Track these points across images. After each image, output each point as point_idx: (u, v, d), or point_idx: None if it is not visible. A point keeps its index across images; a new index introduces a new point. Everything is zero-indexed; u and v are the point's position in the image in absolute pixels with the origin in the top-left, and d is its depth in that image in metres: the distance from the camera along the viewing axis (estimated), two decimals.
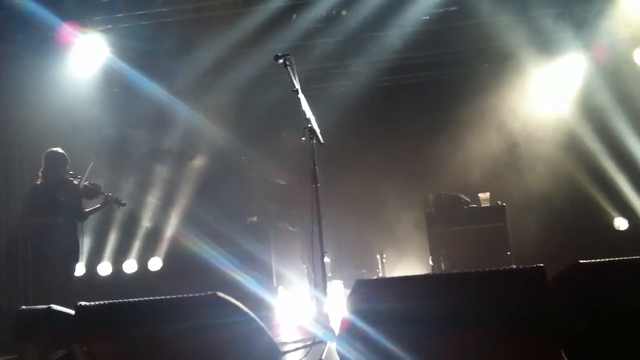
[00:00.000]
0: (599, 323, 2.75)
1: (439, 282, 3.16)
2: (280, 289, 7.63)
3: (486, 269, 3.08)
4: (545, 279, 2.86)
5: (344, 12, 7.84)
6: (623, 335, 2.75)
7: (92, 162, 6.73)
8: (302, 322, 6.11)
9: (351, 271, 7.98)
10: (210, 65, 8.32)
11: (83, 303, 3.39)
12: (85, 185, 6.65)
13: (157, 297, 3.45)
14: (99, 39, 7.92)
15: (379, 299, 3.11)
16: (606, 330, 2.75)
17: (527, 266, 3.02)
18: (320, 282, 5.21)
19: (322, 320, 4.81)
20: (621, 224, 8.80)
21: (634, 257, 3.25)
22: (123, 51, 8.20)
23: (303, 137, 4.78)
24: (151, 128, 9.08)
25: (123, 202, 6.88)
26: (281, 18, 7.64)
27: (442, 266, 7.41)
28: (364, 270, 8.33)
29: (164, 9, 7.67)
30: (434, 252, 7.58)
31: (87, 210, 6.79)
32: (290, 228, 5.80)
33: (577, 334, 2.77)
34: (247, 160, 5.78)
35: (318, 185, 4.68)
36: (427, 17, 8.03)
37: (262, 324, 3.37)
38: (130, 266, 9.16)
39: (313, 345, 4.59)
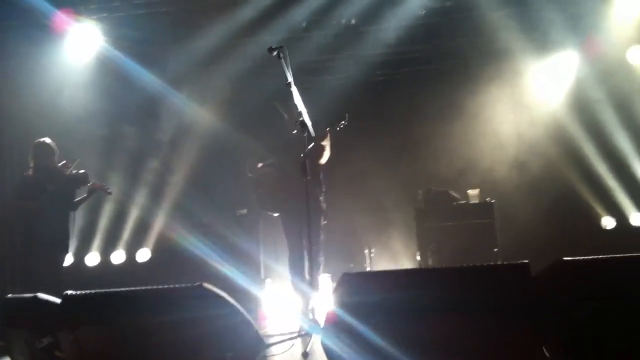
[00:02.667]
0: (580, 319, 2.77)
1: (425, 276, 3.18)
2: (268, 281, 7.64)
3: (472, 264, 3.10)
4: (529, 275, 2.89)
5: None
6: (605, 331, 2.78)
7: (79, 160, 6.75)
8: (289, 314, 6.13)
9: (339, 265, 7.99)
10: (205, 54, 8.30)
11: (69, 292, 3.40)
12: (73, 174, 6.65)
13: (144, 287, 3.47)
14: (93, 27, 7.89)
15: (365, 292, 3.13)
16: (587, 326, 2.77)
17: (512, 262, 3.06)
18: (310, 275, 5.25)
19: (309, 313, 4.83)
20: (608, 223, 8.84)
21: (617, 255, 3.28)
22: (117, 40, 8.18)
23: (294, 130, 4.82)
24: (144, 118, 9.06)
25: (110, 190, 6.93)
26: (276, 9, 7.62)
27: (430, 261, 7.44)
28: (351, 265, 8.34)
29: None
30: (422, 248, 7.61)
31: (76, 200, 6.80)
32: (274, 214, 5.82)
33: (559, 330, 2.80)
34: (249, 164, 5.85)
35: (308, 178, 4.69)
36: (424, 12, 8.03)
37: (247, 316, 3.39)
38: (118, 257, 9.14)
39: (298, 337, 4.61)
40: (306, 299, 5.23)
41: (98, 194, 7.01)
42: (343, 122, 5.29)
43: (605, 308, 2.78)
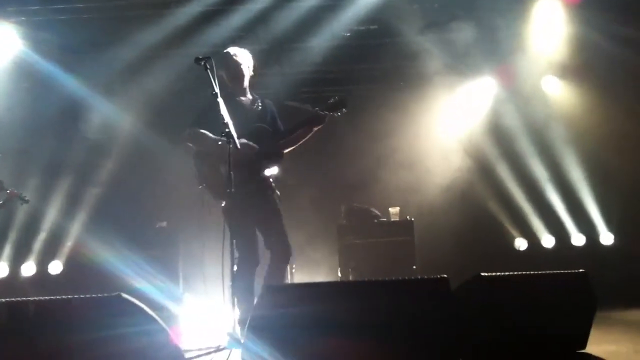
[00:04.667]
0: (498, 332, 2.87)
1: (345, 289, 3.22)
2: (186, 295, 7.51)
3: (393, 278, 3.16)
4: (448, 289, 2.97)
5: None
6: (521, 343, 2.89)
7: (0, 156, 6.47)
8: (208, 329, 6.02)
9: (259, 279, 7.93)
10: (130, 62, 8.13)
11: None
12: None
13: (58, 297, 3.33)
14: (11, 30, 7.62)
15: (286, 305, 3.12)
16: (505, 338, 2.88)
17: (432, 276, 3.14)
18: (229, 289, 5.14)
19: (229, 327, 4.76)
20: (521, 244, 9.19)
21: (530, 272, 3.43)
22: (37, 44, 7.91)
23: (220, 141, 4.75)
24: (63, 125, 8.77)
25: (27, 198, 6.61)
26: (203, 22, 7.58)
27: (350, 277, 7.51)
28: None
29: (82, 5, 7.48)
30: (343, 264, 7.68)
31: None
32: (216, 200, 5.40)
33: (477, 341, 2.89)
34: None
35: (233, 190, 4.64)
36: (348, 34, 8.19)
37: (166, 328, 3.32)
38: (28, 269, 8.75)
39: (216, 352, 4.53)
40: (246, 309, 4.94)
41: (14, 203, 6.67)
42: (343, 108, 5.15)
43: (521, 320, 2.89)
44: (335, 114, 5.18)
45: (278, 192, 5.37)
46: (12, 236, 8.59)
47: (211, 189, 5.12)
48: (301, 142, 5.36)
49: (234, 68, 5.38)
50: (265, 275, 5.17)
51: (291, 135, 5.31)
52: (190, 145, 5.27)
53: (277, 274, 5.15)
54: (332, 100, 5.20)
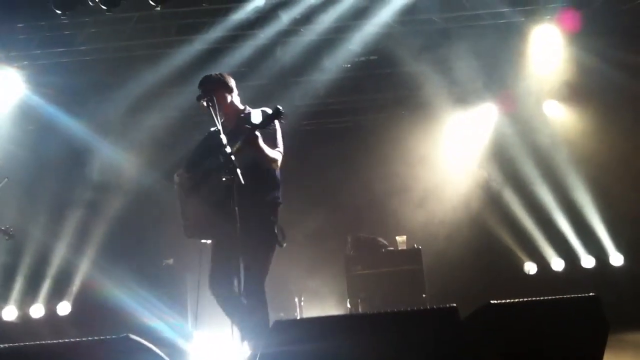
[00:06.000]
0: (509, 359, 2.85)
1: (356, 322, 3.19)
2: (196, 333, 7.45)
3: (402, 309, 3.14)
4: (458, 318, 2.95)
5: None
6: None
7: (6, 180, 6.44)
8: None
9: (269, 314, 7.88)
10: (133, 103, 8.21)
11: None
12: None
13: (65, 340, 3.31)
14: (15, 74, 7.71)
15: (297, 340, 3.09)
16: None
17: (441, 306, 3.11)
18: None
19: None
20: (531, 268, 9.13)
21: (541, 298, 3.40)
22: (40, 87, 8.00)
23: (224, 177, 4.71)
24: (67, 167, 8.82)
25: (12, 233, 6.38)
26: (205, 60, 7.64)
27: (360, 309, 7.46)
28: (281, 314, 8.24)
29: (84, 47, 7.58)
30: (352, 295, 7.64)
31: None
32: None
33: None
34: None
35: (238, 225, 4.62)
36: (349, 65, 8.27)
37: None
38: (37, 310, 8.73)
39: None
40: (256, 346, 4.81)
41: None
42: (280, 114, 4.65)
43: (532, 347, 2.86)
44: (267, 127, 4.73)
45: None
46: (20, 278, 8.59)
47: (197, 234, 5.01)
48: (267, 157, 4.85)
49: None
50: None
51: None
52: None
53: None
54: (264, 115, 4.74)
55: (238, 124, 4.94)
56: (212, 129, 4.74)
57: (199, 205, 4.92)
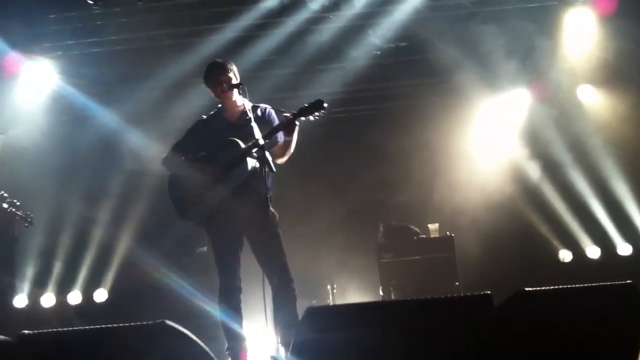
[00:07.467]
0: (543, 349, 2.81)
1: (389, 309, 3.18)
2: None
3: (435, 297, 3.12)
4: (492, 306, 2.92)
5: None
6: (567, 359, 2.82)
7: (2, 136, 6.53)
8: (251, 352, 6.01)
9: (301, 301, 7.90)
10: (164, 92, 8.28)
11: (26, 332, 3.28)
12: None
13: (102, 326, 3.37)
14: (48, 65, 7.81)
15: (331, 327, 3.10)
16: (550, 357, 2.82)
17: (475, 293, 3.09)
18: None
19: (274, 351, 4.75)
20: (566, 256, 9.02)
21: (576, 286, 3.35)
22: (73, 78, 8.11)
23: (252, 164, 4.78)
24: (99, 155, 8.93)
25: (31, 219, 6.22)
26: (233, 49, 7.66)
27: (392, 296, 7.45)
28: (314, 301, 8.26)
29: (115, 37, 7.64)
30: (384, 282, 7.63)
31: None
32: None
33: (522, 359, 2.83)
34: None
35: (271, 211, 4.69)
36: (379, 52, 8.22)
37: (213, 356, 3.31)
38: (74, 297, 8.89)
39: None
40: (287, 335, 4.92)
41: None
42: (316, 112, 4.75)
43: (566, 337, 2.83)
44: (310, 118, 4.82)
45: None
46: (58, 265, 8.75)
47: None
48: (289, 149, 4.98)
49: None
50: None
51: (272, 141, 4.91)
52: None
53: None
54: (306, 104, 4.82)
55: (241, 117, 5.09)
56: (204, 116, 5.29)
57: (211, 190, 4.97)
